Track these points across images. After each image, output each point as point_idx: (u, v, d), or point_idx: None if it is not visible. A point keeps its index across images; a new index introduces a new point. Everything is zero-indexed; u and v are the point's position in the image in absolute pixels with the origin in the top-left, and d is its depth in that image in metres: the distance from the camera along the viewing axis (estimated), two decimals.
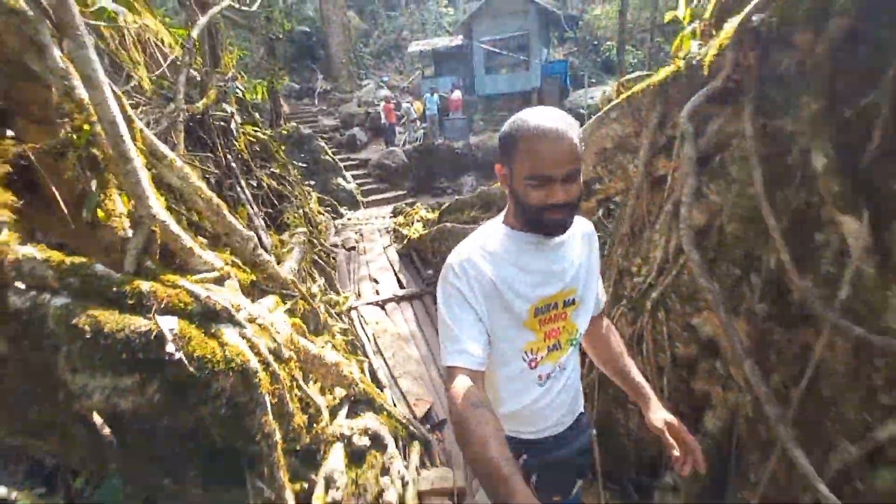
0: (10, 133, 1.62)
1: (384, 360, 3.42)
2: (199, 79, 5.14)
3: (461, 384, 0.88)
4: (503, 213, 1.09)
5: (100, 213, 1.54)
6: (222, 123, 5.61)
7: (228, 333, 1.47)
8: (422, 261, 5.19)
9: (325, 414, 1.76)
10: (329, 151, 11.64)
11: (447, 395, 0.91)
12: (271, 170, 6.83)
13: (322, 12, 17.57)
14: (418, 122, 14.28)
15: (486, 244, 1.03)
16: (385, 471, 1.77)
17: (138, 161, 1.41)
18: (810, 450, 1.43)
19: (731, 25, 1.47)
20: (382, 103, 14.06)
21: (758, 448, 1.56)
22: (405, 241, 5.85)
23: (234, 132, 5.92)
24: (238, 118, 6.16)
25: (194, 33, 3.81)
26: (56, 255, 1.28)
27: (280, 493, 1.50)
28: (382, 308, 4.44)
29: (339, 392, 2.17)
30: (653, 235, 1.79)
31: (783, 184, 1.31)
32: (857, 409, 1.35)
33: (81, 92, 1.47)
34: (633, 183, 1.87)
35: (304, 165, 10.06)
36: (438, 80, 15.71)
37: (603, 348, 1.26)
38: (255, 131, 6.92)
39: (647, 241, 1.79)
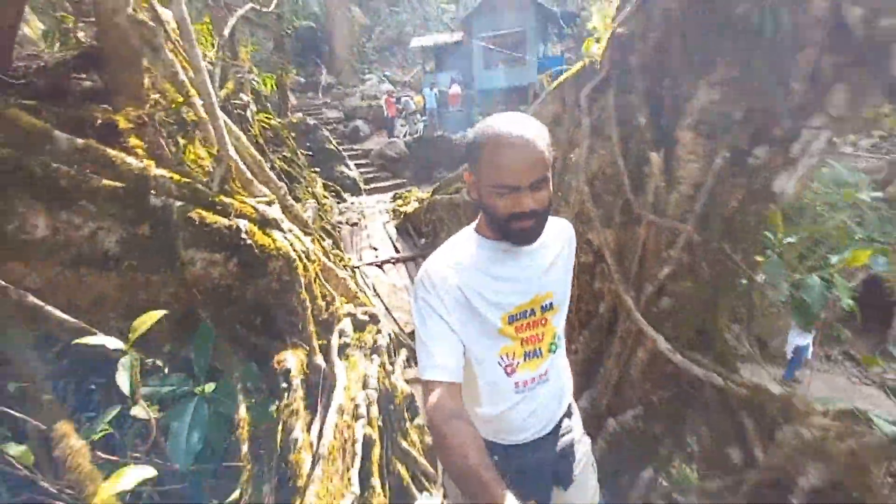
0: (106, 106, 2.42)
1: (381, 300, 4.23)
2: (218, 71, 5.95)
3: (438, 397, 0.90)
4: (475, 222, 1.09)
5: (189, 156, 2.35)
6: (240, 111, 6.42)
7: (277, 234, 2.28)
8: (416, 231, 5.99)
9: (338, 300, 2.56)
10: (333, 141, 12.43)
11: (425, 409, 0.93)
12: (283, 154, 7.65)
13: (326, 8, 18.33)
14: (418, 115, 15.07)
15: (456, 255, 1.03)
16: (376, 346, 2.57)
17: (222, 121, 2.20)
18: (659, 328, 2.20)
19: (608, 34, 2.25)
20: (385, 97, 14.86)
21: (624, 330, 2.34)
22: (402, 217, 6.66)
23: (250, 119, 6.73)
24: (253, 107, 6.96)
25: (226, 32, 4.61)
26: (176, 175, 2.08)
27: (310, 343, 2.30)
28: (380, 268, 5.25)
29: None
30: (571, 180, 2.58)
31: (631, 138, 2.09)
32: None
33: (181, 75, 2.27)
34: (561, 148, 2.66)
35: (310, 154, 10.86)
36: (439, 75, 16.48)
37: None
38: (268, 118, 7.73)
39: (567, 183, 2.58)
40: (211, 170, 2.30)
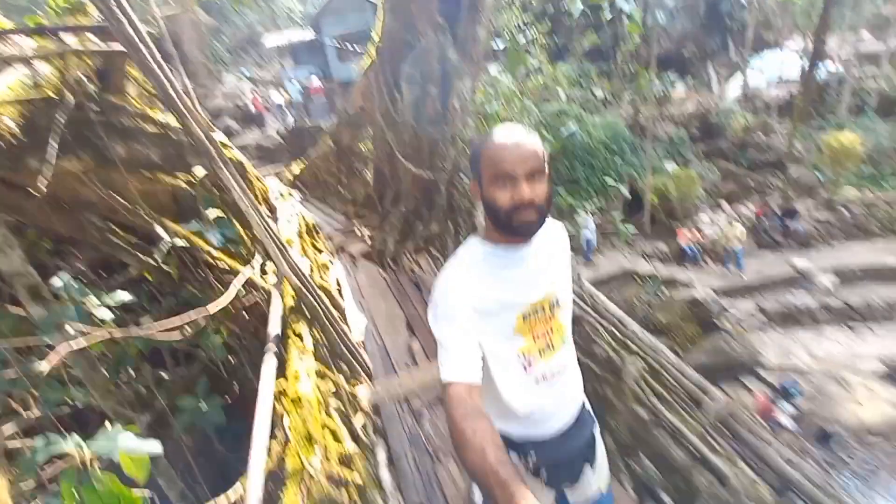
0: None
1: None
2: None
3: (456, 397, 0.95)
4: (481, 231, 1.19)
5: None
6: None
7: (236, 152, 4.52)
8: (301, 185, 8.24)
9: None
10: None
11: (445, 409, 0.96)
12: None
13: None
14: (286, 109, 16.75)
15: (469, 263, 1.12)
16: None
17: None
18: None
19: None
20: (250, 94, 16.23)
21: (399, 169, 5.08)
22: (288, 180, 8.81)
23: None
24: None
25: None
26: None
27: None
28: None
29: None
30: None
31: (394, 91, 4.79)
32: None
33: None
34: (368, 100, 5.25)
35: None
36: (298, 70, 18.24)
37: None
38: None
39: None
40: None
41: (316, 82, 16.47)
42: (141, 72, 2.33)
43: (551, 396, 1.22)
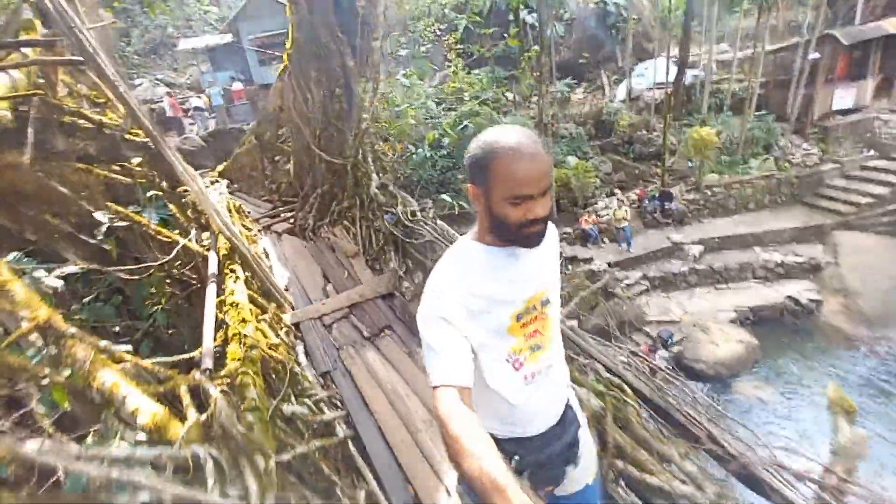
0: None
1: None
2: None
3: (448, 402, 0.95)
4: (473, 231, 1.19)
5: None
6: None
7: None
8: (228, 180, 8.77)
9: None
10: None
11: (436, 416, 0.96)
12: None
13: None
14: (206, 113, 16.73)
15: (461, 264, 1.13)
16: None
17: None
18: None
19: None
20: (166, 98, 16.07)
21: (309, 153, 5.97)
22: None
23: None
24: None
25: None
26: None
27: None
28: None
29: None
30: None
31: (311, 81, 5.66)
32: None
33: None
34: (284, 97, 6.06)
35: None
36: (217, 75, 18.22)
37: None
38: None
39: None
40: None
41: (238, 86, 16.64)
42: (97, 76, 3.05)
43: (539, 395, 1.24)
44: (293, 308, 3.56)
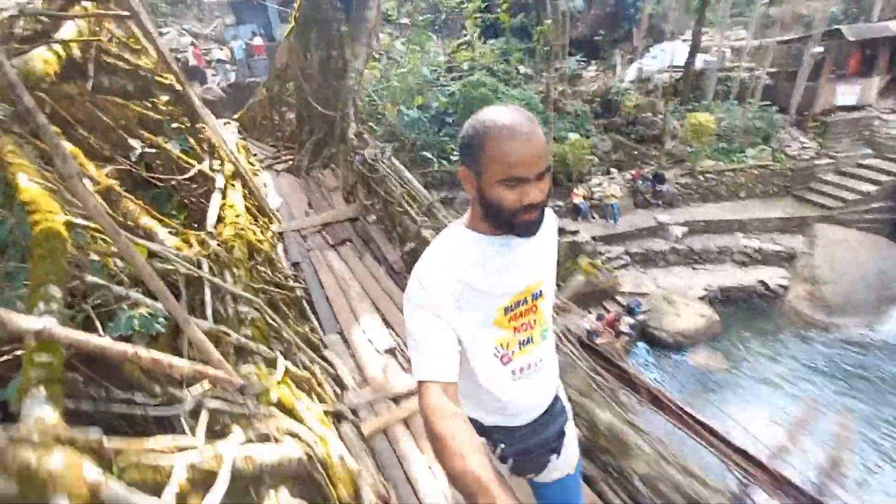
0: None
1: None
2: None
3: (434, 398, 0.94)
4: (465, 217, 1.13)
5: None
6: None
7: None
8: (242, 128, 9.87)
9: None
10: None
11: (421, 411, 0.95)
12: None
13: None
14: (228, 66, 17.74)
15: (450, 252, 1.08)
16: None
17: None
18: None
19: None
20: (191, 48, 17.10)
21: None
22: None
23: None
24: None
25: None
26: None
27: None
28: None
29: None
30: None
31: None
32: None
33: None
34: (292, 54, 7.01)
35: None
36: (240, 28, 19.12)
37: None
38: None
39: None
40: None
41: (258, 41, 17.56)
42: (137, 28, 4.09)
43: (527, 389, 1.23)
44: (279, 220, 4.66)
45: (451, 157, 10.45)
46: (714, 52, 15.47)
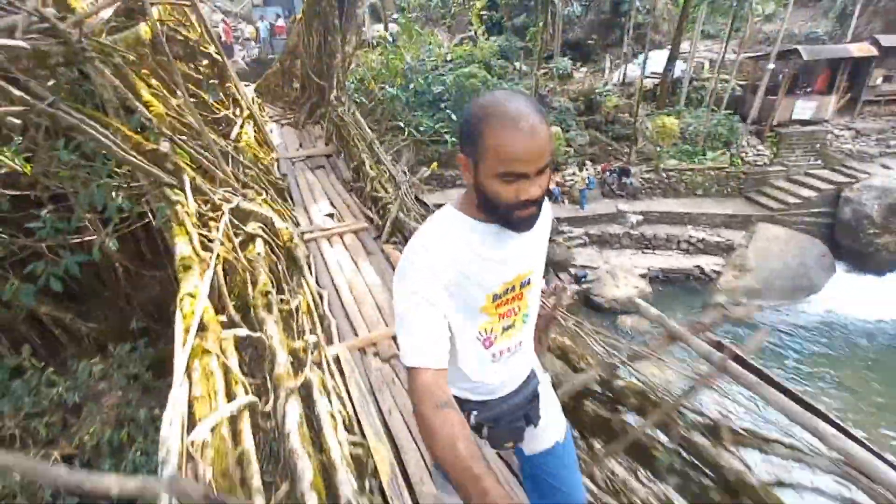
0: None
1: None
2: None
3: (425, 385, 0.96)
4: (459, 202, 1.12)
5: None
6: None
7: None
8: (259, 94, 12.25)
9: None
10: None
11: (411, 396, 0.98)
12: None
13: None
14: (252, 43, 20.27)
15: (442, 237, 1.08)
16: None
17: None
18: None
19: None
20: (221, 24, 19.66)
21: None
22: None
23: None
24: None
25: None
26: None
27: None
28: None
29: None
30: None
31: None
32: None
33: None
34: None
35: None
36: (267, 9, 21.63)
37: None
38: None
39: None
40: None
41: (281, 22, 20.05)
42: (194, 14, 6.42)
43: (505, 371, 1.29)
44: (277, 153, 7.02)
45: (420, 129, 12.85)
46: (689, 63, 17.44)
